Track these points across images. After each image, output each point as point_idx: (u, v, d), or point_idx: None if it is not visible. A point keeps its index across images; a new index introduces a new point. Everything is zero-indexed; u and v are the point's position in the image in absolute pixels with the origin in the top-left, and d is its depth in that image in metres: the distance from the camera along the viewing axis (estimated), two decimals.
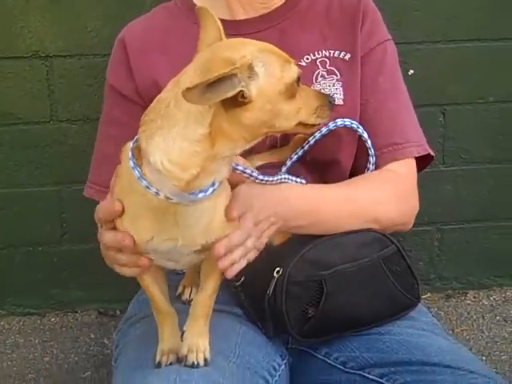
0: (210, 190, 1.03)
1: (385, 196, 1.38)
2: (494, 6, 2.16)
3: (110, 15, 2.06)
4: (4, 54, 2.08)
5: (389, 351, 1.28)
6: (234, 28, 1.44)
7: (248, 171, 1.22)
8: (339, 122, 1.35)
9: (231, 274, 1.14)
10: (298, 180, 1.32)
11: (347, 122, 1.36)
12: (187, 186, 0.99)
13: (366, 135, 1.38)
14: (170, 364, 1.13)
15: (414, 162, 1.44)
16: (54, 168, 2.17)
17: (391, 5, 2.04)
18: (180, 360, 1.13)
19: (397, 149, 1.41)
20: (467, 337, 2.17)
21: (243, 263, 1.16)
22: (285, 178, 1.30)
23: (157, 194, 1.01)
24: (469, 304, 2.32)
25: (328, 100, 1.11)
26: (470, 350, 2.08)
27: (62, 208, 2.22)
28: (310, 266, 1.27)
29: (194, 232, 1.06)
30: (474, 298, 2.35)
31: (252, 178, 1.23)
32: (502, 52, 2.21)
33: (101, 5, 2.07)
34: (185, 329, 1.15)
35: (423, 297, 2.35)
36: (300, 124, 1.07)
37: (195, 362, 1.11)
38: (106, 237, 1.12)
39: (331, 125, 1.34)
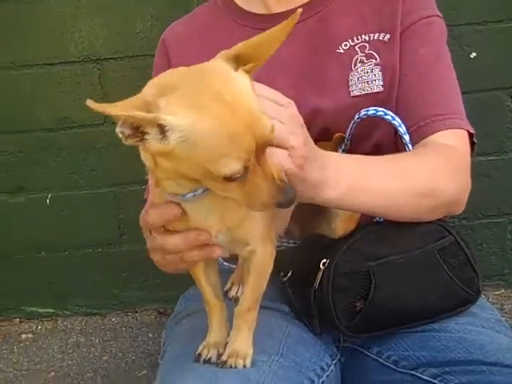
0: (191, 194, 0.98)
1: (440, 167, 1.25)
2: None
3: (157, 16, 2.09)
4: (57, 59, 2.13)
5: (444, 349, 1.20)
6: (270, 22, 1.40)
7: None
8: (362, 112, 1.27)
9: None
10: None
11: (371, 110, 1.27)
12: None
13: (397, 121, 1.27)
14: (210, 359, 1.11)
15: (464, 134, 1.32)
16: (109, 170, 2.20)
17: None
18: (219, 364, 1.09)
19: (438, 120, 1.29)
20: None
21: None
22: None
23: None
24: None
25: (277, 203, 0.92)
26: None
27: (119, 209, 2.25)
28: (357, 256, 1.21)
29: (209, 222, 1.02)
30: None
31: None
32: None
33: (148, 6, 2.09)
34: (228, 339, 1.12)
35: (496, 293, 2.24)
36: None
37: (233, 366, 1.07)
38: (172, 241, 1.06)
39: (356, 118, 1.28)
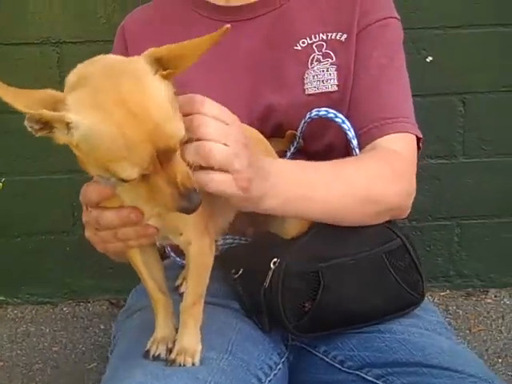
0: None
1: (380, 174, 1.26)
2: None
3: (119, 1, 2.05)
4: (15, 40, 2.09)
5: (387, 350, 1.22)
6: (229, 14, 1.41)
7: None
8: (314, 112, 1.29)
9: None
10: None
11: (322, 111, 1.28)
12: None
13: (347, 125, 1.28)
14: (159, 355, 1.11)
15: (412, 138, 1.34)
16: (65, 156, 2.14)
17: None
18: (168, 363, 1.09)
19: (387, 123, 1.31)
20: (484, 337, 2.09)
21: (198, 177, 0.96)
22: None
23: None
24: (489, 303, 2.24)
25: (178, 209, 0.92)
26: (487, 351, 2.01)
27: (74, 196, 2.21)
28: (308, 257, 1.22)
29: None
30: (495, 296, 2.27)
31: None
32: None
33: None
34: (176, 338, 1.12)
35: (442, 293, 2.29)
36: None
37: (182, 364, 1.08)
38: (106, 216, 1.05)
39: (307, 117, 1.29)
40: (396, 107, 1.34)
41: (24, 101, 0.88)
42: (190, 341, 1.10)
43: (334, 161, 1.26)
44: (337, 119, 1.28)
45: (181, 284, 1.39)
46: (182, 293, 1.35)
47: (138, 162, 0.87)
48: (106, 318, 2.22)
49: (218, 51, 1.37)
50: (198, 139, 0.96)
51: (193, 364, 1.08)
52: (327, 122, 1.31)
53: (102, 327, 2.20)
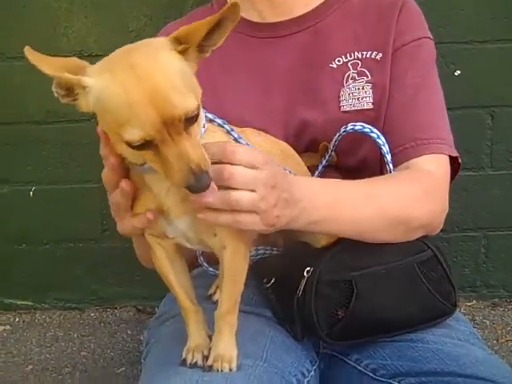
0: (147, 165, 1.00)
1: (411, 196, 1.28)
2: None
3: (151, 15, 2.08)
4: (48, 53, 2.11)
5: (421, 360, 1.23)
6: (265, 30, 1.43)
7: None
8: (349, 127, 1.30)
9: (200, 217, 1.02)
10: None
11: (358, 126, 1.30)
12: None
13: (381, 140, 1.29)
14: (196, 363, 1.12)
15: (445, 159, 1.35)
16: (95, 165, 2.18)
17: (438, 4, 1.98)
18: (205, 369, 1.10)
19: (422, 143, 1.33)
20: None
21: (224, 219, 1.01)
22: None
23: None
24: None
25: (187, 187, 0.94)
26: None
27: (103, 205, 2.24)
28: (340, 266, 1.24)
29: (173, 201, 1.04)
30: None
31: None
32: None
33: (143, 5, 2.09)
34: (211, 345, 1.13)
35: (468, 304, 2.28)
36: None
37: (219, 370, 1.09)
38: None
39: (341, 130, 1.31)
40: (432, 127, 1.36)
41: (50, 65, 0.94)
42: (226, 347, 1.11)
43: (366, 180, 1.27)
44: (372, 134, 1.30)
45: (214, 293, 1.40)
46: (216, 301, 1.38)
47: (139, 124, 0.89)
48: (133, 324, 2.25)
49: (255, 67, 1.41)
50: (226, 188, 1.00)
51: (230, 370, 1.10)
52: (362, 137, 1.32)
53: (129, 333, 2.22)
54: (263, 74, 1.42)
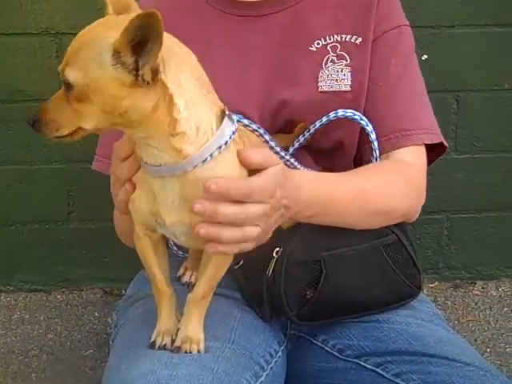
0: (164, 167, 1.01)
1: (395, 189, 1.33)
2: None
3: None
4: (14, 30, 2.08)
5: (386, 340, 1.27)
6: (243, 9, 1.42)
7: (273, 144, 1.21)
8: (340, 112, 1.31)
9: (211, 249, 1.06)
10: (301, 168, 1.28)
11: (349, 113, 1.32)
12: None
13: (369, 127, 1.33)
14: (164, 345, 1.13)
15: (423, 149, 1.39)
16: (61, 146, 2.16)
17: None
18: (174, 350, 1.11)
19: (405, 134, 1.36)
20: (473, 328, 2.15)
21: (231, 249, 1.08)
22: (288, 160, 1.26)
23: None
24: (477, 294, 2.30)
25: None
26: (475, 341, 2.07)
27: (70, 186, 2.23)
28: (309, 246, 1.26)
29: (175, 209, 1.04)
30: (483, 288, 2.32)
31: (273, 150, 1.20)
32: None
33: None
34: (179, 326, 1.14)
35: (431, 285, 2.34)
36: None
37: (188, 351, 1.10)
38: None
39: (331, 115, 1.31)
40: (414, 118, 1.39)
41: None
42: (195, 329, 1.13)
43: (357, 172, 1.32)
44: (361, 121, 1.32)
45: (183, 274, 1.40)
46: (186, 282, 1.39)
47: None
48: (100, 306, 2.23)
49: (234, 45, 1.40)
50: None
51: (198, 351, 1.11)
52: (337, 120, 1.33)
53: (96, 315, 2.20)
54: (242, 52, 1.41)
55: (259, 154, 1.07)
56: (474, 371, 1.15)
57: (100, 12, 2.01)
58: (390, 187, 1.32)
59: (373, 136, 1.33)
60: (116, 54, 0.94)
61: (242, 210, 1.03)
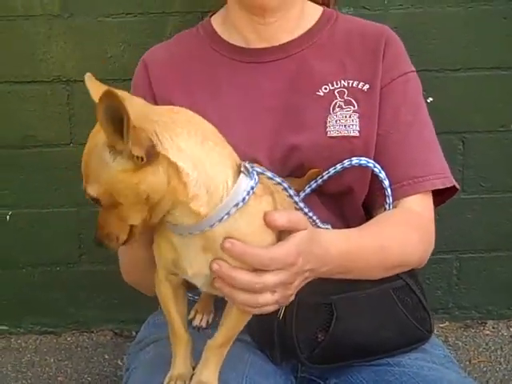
0: (182, 227, 1.02)
1: (410, 243, 1.34)
2: None
3: (129, 41, 2.09)
4: (26, 78, 2.12)
5: None
6: (251, 56, 1.46)
7: (296, 198, 1.20)
8: (354, 160, 1.34)
9: (217, 286, 1.05)
10: (323, 226, 1.27)
11: (363, 160, 1.34)
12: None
13: (382, 174, 1.35)
14: None
15: (431, 195, 1.41)
16: (72, 189, 2.19)
17: (411, 33, 2.03)
18: None
19: (418, 181, 1.38)
20: (484, 368, 2.13)
21: (249, 310, 1.09)
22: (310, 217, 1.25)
23: None
24: (487, 334, 2.28)
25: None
26: (487, 382, 2.05)
27: (81, 229, 2.25)
28: (320, 290, 1.26)
29: (198, 262, 1.05)
30: (493, 328, 2.30)
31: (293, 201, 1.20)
32: None
33: (121, 32, 2.10)
34: (195, 370, 1.14)
35: (441, 325, 2.32)
36: None
37: None
38: None
39: (346, 163, 1.34)
40: (426, 164, 1.41)
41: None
42: (209, 376, 1.13)
43: (374, 227, 1.32)
44: (375, 169, 1.35)
45: (194, 317, 1.41)
46: (196, 326, 1.39)
47: None
48: (110, 349, 2.23)
49: (242, 91, 1.43)
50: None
51: None
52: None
53: (106, 357, 2.20)
54: (250, 96, 1.43)
55: (285, 216, 1.03)
56: None
57: (110, 59, 2.11)
58: (405, 243, 1.34)
59: (386, 183, 1.35)
60: (111, 149, 0.95)
61: (258, 279, 1.02)
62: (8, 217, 2.23)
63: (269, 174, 1.09)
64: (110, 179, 0.96)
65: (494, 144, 2.21)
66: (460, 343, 2.24)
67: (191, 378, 1.14)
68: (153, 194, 0.96)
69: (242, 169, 1.02)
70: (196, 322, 1.41)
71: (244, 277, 1.02)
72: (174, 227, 1.03)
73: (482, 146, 2.21)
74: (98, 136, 0.96)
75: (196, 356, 1.16)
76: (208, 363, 1.13)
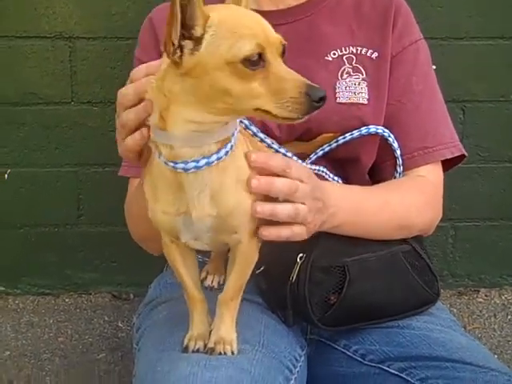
0: (203, 161, 1.03)
1: (418, 205, 1.39)
2: None
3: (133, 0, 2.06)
4: (28, 33, 2.08)
5: (409, 345, 1.29)
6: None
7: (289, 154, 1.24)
8: (372, 128, 1.37)
9: (264, 234, 1.12)
10: (336, 178, 1.32)
11: (380, 129, 1.38)
12: (172, 153, 1.03)
13: (395, 144, 1.40)
14: (197, 350, 1.15)
15: (440, 165, 1.46)
16: (73, 149, 2.17)
17: (417, 0, 2.03)
18: (207, 352, 1.13)
19: (428, 152, 1.43)
20: (479, 335, 2.18)
21: (285, 232, 1.13)
22: (322, 171, 1.31)
23: (165, 162, 1.03)
24: (480, 302, 2.33)
25: (307, 95, 0.98)
26: None
27: (80, 190, 2.23)
28: (333, 253, 1.29)
29: (201, 202, 1.06)
30: (486, 296, 2.35)
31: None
32: None
33: None
34: (212, 327, 1.16)
35: None
36: (261, 111, 0.98)
37: (222, 353, 1.12)
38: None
39: (363, 130, 1.37)
40: (436, 134, 1.45)
41: None
42: (227, 330, 1.15)
43: (382, 187, 1.39)
44: (389, 138, 1.40)
45: (205, 278, 1.43)
46: (209, 286, 1.41)
47: (253, 38, 0.97)
48: (109, 310, 2.23)
49: None
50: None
51: (232, 353, 1.13)
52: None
53: (106, 319, 2.20)
54: None
55: (279, 158, 1.13)
56: (498, 376, 1.18)
57: (114, 17, 2.07)
58: (411, 204, 1.38)
59: (398, 152, 1.40)
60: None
61: (293, 182, 1.09)
62: (6, 175, 2.19)
63: (246, 122, 1.19)
64: None
65: (493, 114, 2.24)
66: (454, 310, 2.29)
67: (210, 336, 1.16)
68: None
69: None
70: (208, 282, 1.42)
71: (283, 180, 1.09)
72: (191, 164, 1.03)
73: (482, 116, 2.24)
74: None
75: (212, 316, 1.18)
76: (224, 318, 1.15)
